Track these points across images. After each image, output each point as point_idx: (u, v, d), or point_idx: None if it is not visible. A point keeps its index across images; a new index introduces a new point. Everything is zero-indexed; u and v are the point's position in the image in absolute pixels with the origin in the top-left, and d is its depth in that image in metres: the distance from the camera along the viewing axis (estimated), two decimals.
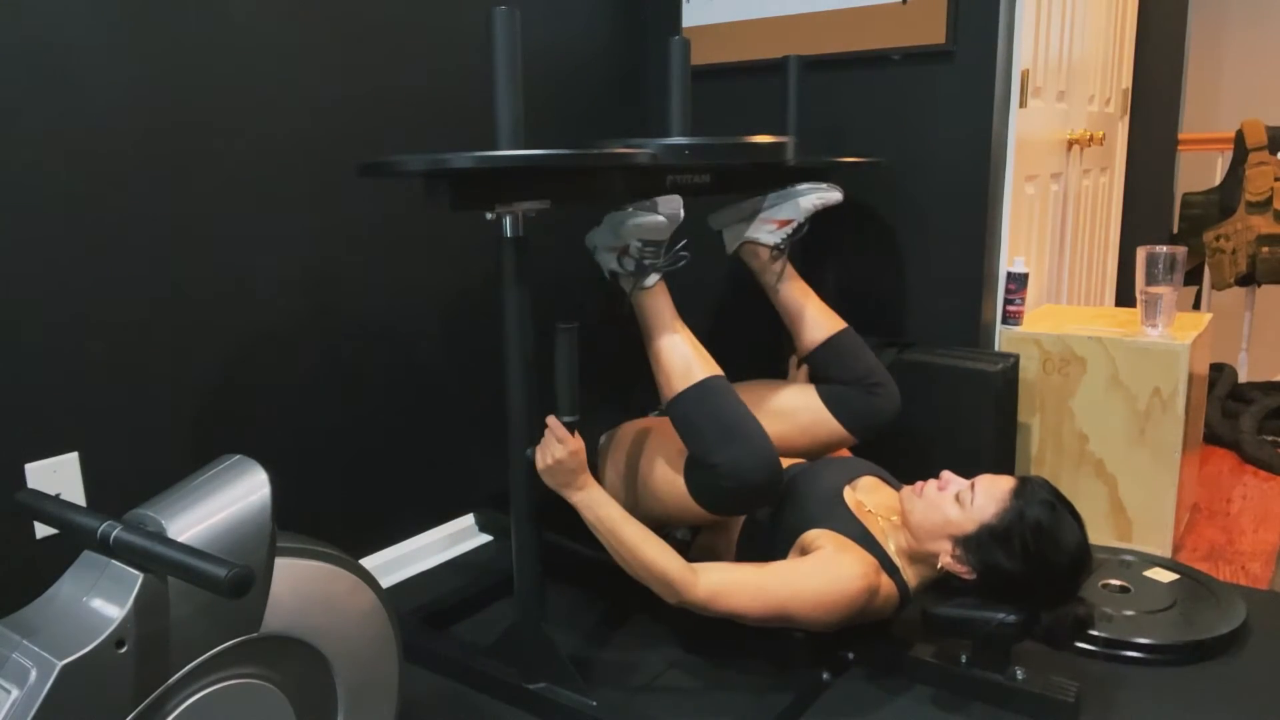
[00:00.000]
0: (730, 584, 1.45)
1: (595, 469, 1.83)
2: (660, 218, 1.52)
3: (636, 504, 1.69)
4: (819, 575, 1.46)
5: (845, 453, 1.95)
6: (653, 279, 1.59)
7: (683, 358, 1.56)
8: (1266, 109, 3.71)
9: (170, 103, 1.57)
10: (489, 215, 1.40)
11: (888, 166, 2.15)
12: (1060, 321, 2.22)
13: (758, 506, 1.55)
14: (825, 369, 1.87)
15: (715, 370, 1.57)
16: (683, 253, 1.60)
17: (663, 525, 1.68)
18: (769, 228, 1.87)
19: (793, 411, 1.85)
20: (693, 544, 1.77)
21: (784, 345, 2.08)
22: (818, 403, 1.84)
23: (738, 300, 2.47)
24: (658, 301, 1.59)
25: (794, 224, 1.87)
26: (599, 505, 1.47)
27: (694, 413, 1.53)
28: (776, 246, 1.88)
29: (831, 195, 1.85)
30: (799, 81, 2.01)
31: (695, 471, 1.55)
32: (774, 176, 1.90)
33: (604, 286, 1.69)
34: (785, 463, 1.79)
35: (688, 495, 1.57)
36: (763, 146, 1.64)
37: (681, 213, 1.55)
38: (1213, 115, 3.82)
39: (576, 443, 1.45)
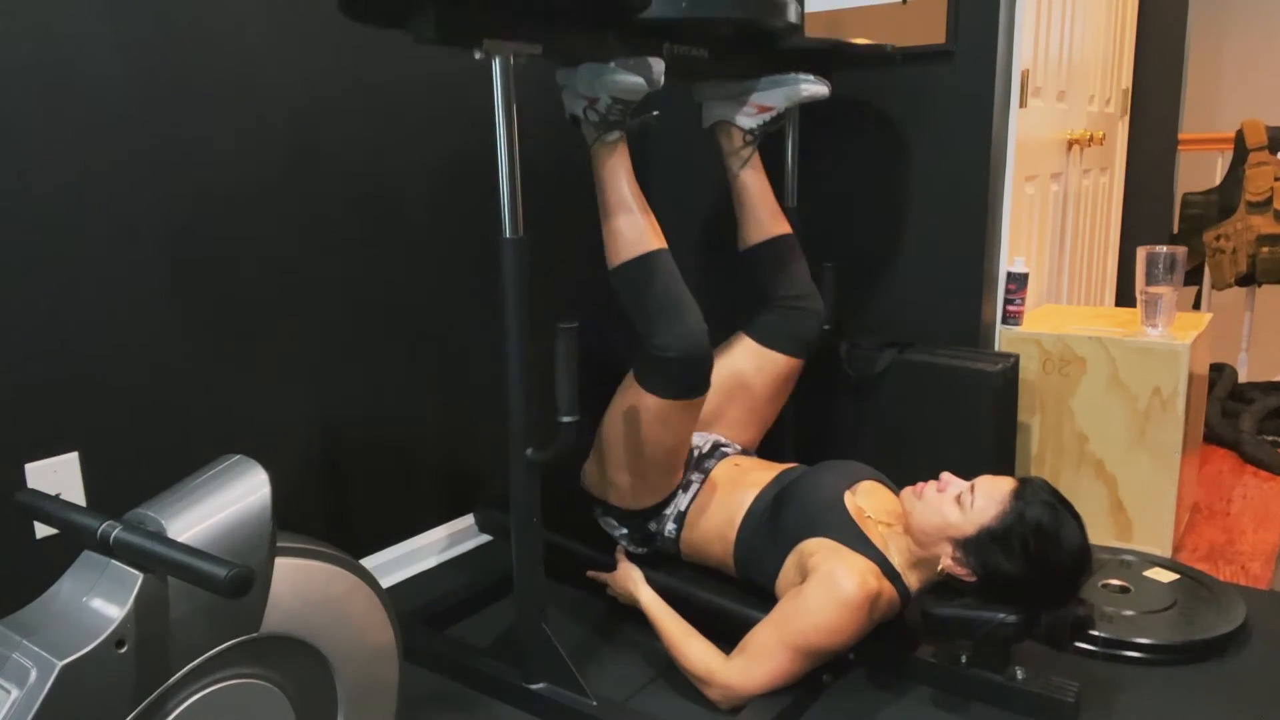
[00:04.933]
0: (752, 649, 1.50)
1: (588, 468, 1.85)
2: (638, 79, 1.50)
3: (620, 459, 1.71)
4: (822, 602, 1.45)
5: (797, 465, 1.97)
6: (615, 134, 1.59)
7: (631, 225, 1.59)
8: (1266, 109, 3.71)
9: (170, 102, 1.57)
10: (477, 54, 1.34)
11: (894, 54, 1.99)
12: (1060, 321, 2.22)
13: (697, 375, 1.59)
14: (755, 270, 1.94)
15: (660, 244, 1.60)
16: (651, 118, 1.61)
17: (650, 474, 1.70)
18: (749, 111, 1.88)
19: (741, 371, 1.91)
20: (680, 540, 1.77)
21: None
22: (752, 344, 1.92)
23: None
24: (615, 159, 1.60)
25: (774, 112, 1.87)
26: (650, 607, 1.64)
27: (636, 287, 1.58)
28: (751, 131, 1.89)
29: (819, 89, 1.85)
30: None
31: (640, 359, 1.61)
32: (772, 61, 1.85)
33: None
34: (782, 466, 1.80)
35: (646, 395, 1.61)
36: (762, 1, 1.55)
37: (660, 80, 1.53)
38: (1213, 115, 3.82)
39: (615, 574, 1.74)
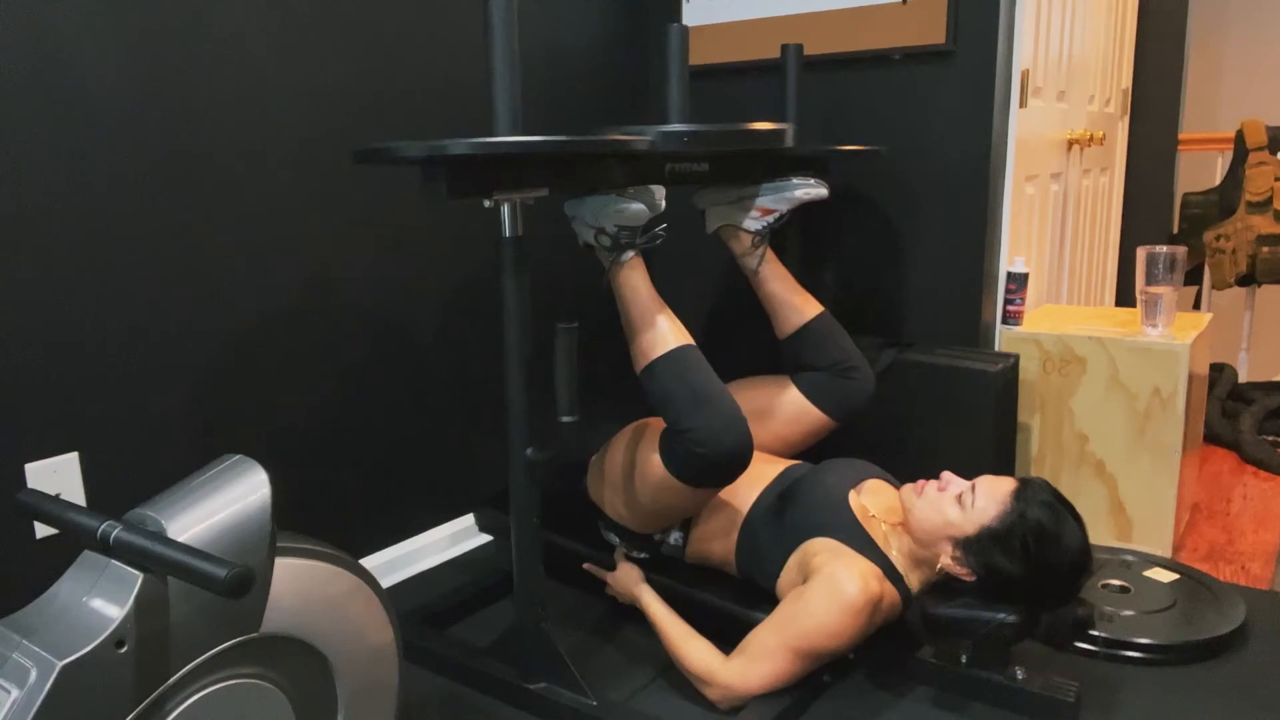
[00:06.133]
0: (752, 650, 1.49)
1: (591, 475, 1.85)
2: (640, 206, 1.57)
3: (624, 497, 1.69)
4: (824, 604, 1.45)
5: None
6: (629, 254, 1.62)
7: (656, 328, 1.60)
8: (1266, 109, 3.71)
9: (170, 102, 1.57)
10: (486, 203, 1.40)
11: (886, 155, 2.15)
12: (1060, 321, 2.22)
13: (730, 474, 1.55)
14: (801, 353, 1.91)
15: (687, 340, 1.60)
16: (660, 231, 1.64)
17: (653, 519, 1.69)
18: (754, 214, 1.90)
19: (775, 408, 1.90)
20: (686, 547, 1.77)
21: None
22: (796, 394, 1.89)
23: (741, 296, 2.47)
24: (634, 275, 1.63)
25: (777, 214, 1.90)
26: (650, 607, 1.63)
27: (666, 380, 1.56)
28: (758, 233, 1.91)
29: (819, 191, 1.88)
30: (797, 71, 2.01)
31: (669, 441, 1.57)
32: (771, 167, 1.91)
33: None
34: (787, 463, 1.80)
35: (666, 473, 1.58)
36: (762, 132, 1.64)
37: (662, 204, 1.61)
38: (1213, 115, 3.82)
39: (615, 574, 1.74)
